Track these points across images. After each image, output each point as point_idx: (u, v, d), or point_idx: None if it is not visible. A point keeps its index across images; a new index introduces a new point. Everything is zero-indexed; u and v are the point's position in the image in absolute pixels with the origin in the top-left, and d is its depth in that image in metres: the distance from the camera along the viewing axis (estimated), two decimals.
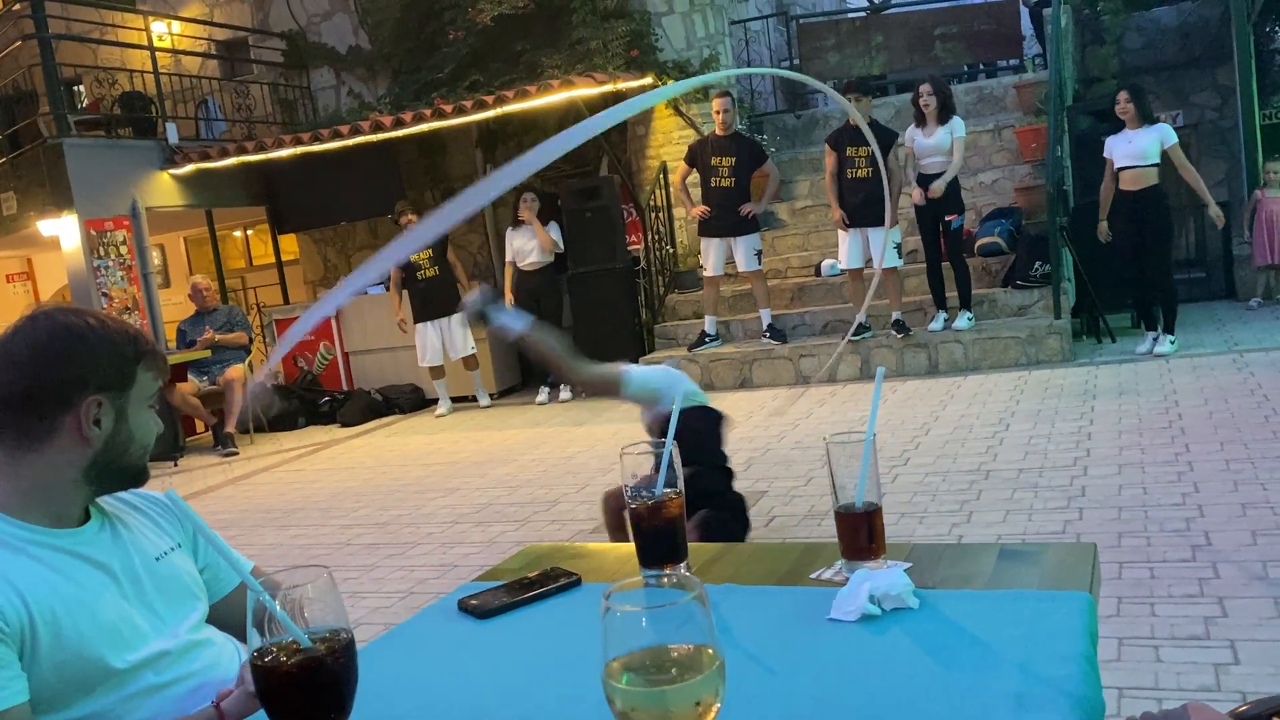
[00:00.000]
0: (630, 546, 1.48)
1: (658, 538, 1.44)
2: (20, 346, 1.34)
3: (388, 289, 8.97)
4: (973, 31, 10.11)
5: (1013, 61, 10.77)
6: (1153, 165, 6.82)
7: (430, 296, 8.59)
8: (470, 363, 8.82)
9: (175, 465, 8.07)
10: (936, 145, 7.22)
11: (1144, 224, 6.89)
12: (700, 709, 0.78)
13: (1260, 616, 2.90)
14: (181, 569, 1.49)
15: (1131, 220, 6.94)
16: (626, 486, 1.45)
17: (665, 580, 0.86)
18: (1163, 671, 2.66)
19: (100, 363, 1.36)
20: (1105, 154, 7.05)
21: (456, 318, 8.62)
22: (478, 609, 1.44)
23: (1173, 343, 7.09)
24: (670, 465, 1.42)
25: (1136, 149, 6.84)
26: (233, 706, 1.33)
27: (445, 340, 8.68)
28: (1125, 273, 7.23)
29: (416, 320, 8.66)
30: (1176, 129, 10.73)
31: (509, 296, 8.51)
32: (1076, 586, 1.26)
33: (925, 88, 7.25)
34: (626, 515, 1.47)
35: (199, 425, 9.11)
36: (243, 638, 1.45)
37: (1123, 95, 6.92)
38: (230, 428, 8.32)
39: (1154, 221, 6.89)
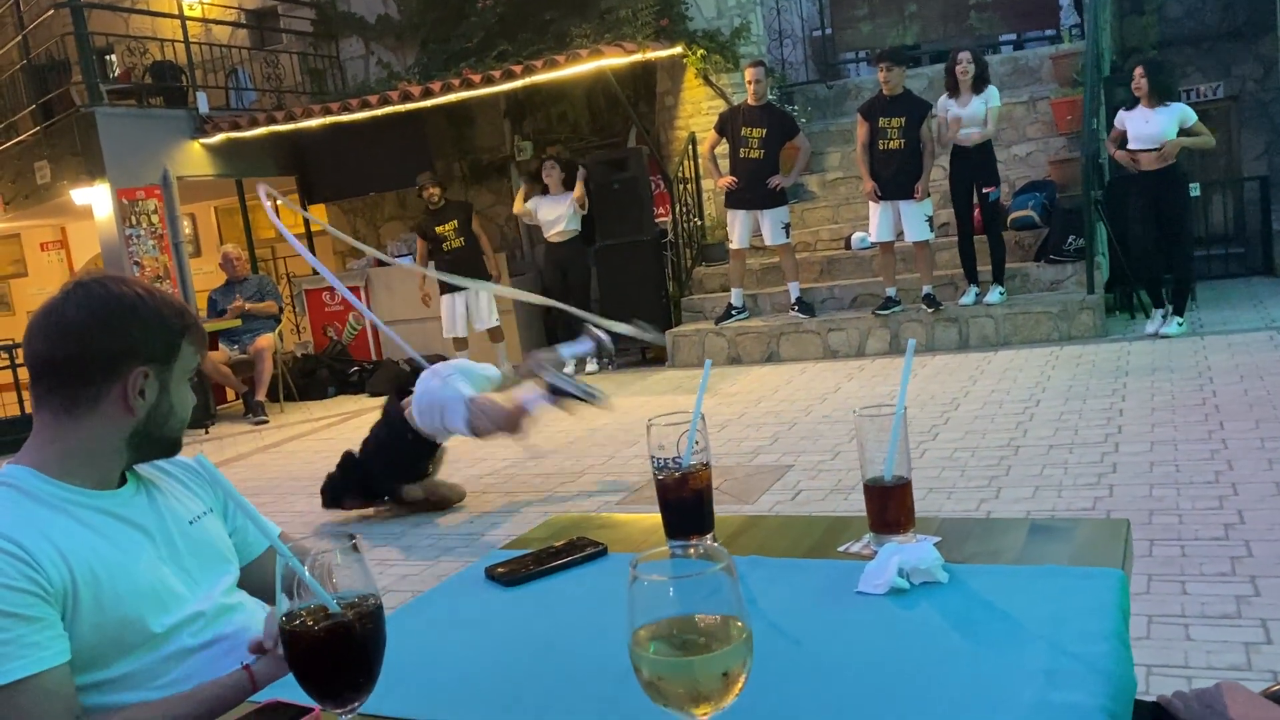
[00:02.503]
0: (656, 517, 1.48)
1: (684, 509, 1.43)
2: (73, 313, 1.35)
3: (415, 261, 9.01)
4: (1008, 1, 9.93)
5: (1049, 32, 10.57)
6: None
7: (456, 268, 8.58)
8: (496, 335, 8.84)
9: (206, 433, 8.16)
10: (972, 115, 7.13)
11: (1161, 204, 6.77)
12: (728, 680, 0.78)
13: None
14: (214, 533, 1.51)
15: (1148, 200, 6.81)
16: (654, 458, 1.44)
17: (692, 550, 0.86)
18: (1193, 650, 2.64)
19: (149, 335, 1.37)
20: (1116, 124, 6.94)
21: (482, 290, 8.66)
22: (504, 576, 1.45)
23: (1180, 325, 6.96)
24: (697, 436, 1.41)
25: (1154, 131, 6.69)
26: (262, 670, 1.35)
27: (471, 311, 8.69)
28: (1141, 251, 7.11)
29: (443, 292, 8.68)
30: (1216, 100, 10.58)
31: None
32: (1108, 563, 1.24)
33: (965, 55, 7.15)
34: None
35: (230, 393, 9.21)
36: (270, 601, 1.46)
37: (1138, 71, 6.76)
38: (260, 396, 8.41)
39: (1171, 202, 6.76)
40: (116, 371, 1.35)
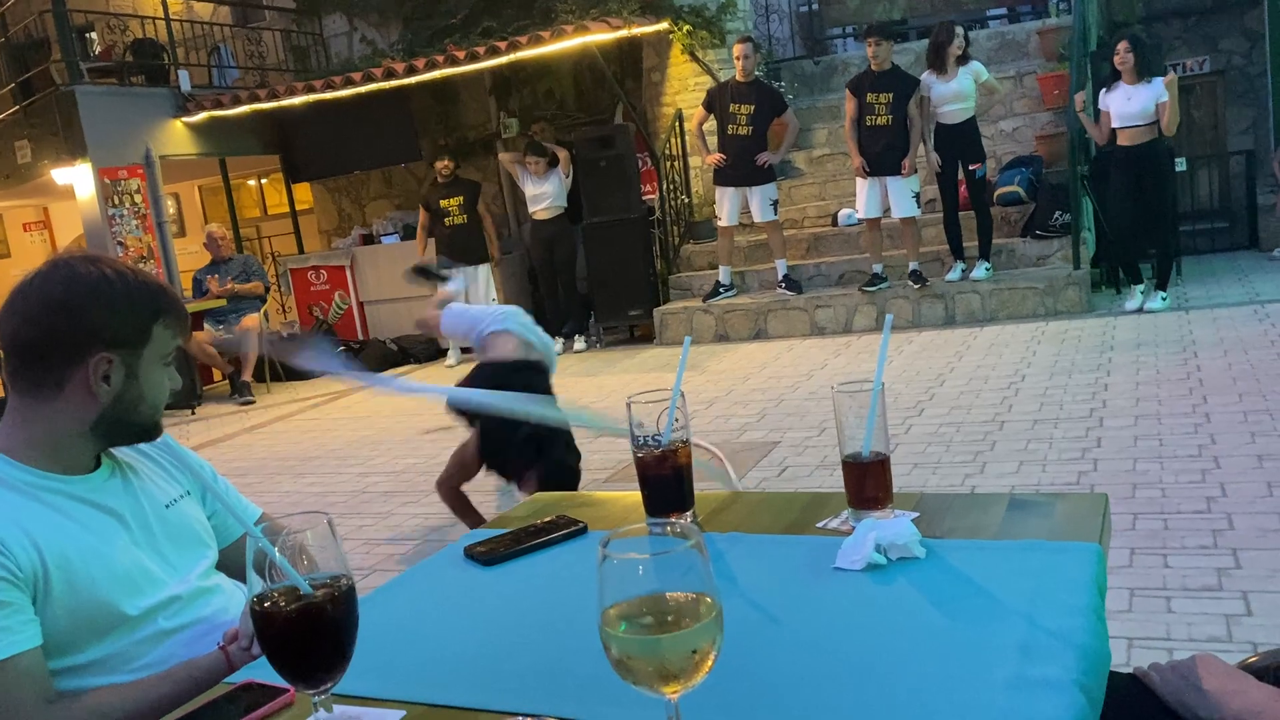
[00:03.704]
0: (638, 495, 1.48)
1: (663, 486, 1.43)
2: (35, 296, 1.33)
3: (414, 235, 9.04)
4: None
5: (1036, 7, 10.53)
6: (1153, 123, 6.66)
7: (456, 243, 8.62)
8: None
9: (193, 414, 8.13)
10: (956, 92, 7.11)
11: (1142, 178, 6.76)
12: (697, 657, 0.77)
13: (1273, 568, 2.89)
14: (191, 516, 1.50)
15: (1129, 174, 6.81)
16: (633, 435, 1.44)
17: (664, 529, 0.85)
18: (1174, 622, 2.66)
19: (113, 319, 1.33)
20: (1100, 107, 6.90)
21: (483, 267, 8.67)
22: (483, 556, 1.44)
23: (1164, 299, 6.99)
24: (677, 414, 1.40)
25: (1135, 108, 6.65)
26: (238, 651, 1.34)
27: (469, 289, 8.69)
28: (1122, 226, 7.12)
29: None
30: (1203, 75, 10.57)
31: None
32: (1086, 538, 1.24)
33: (960, 29, 7.13)
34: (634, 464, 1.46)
35: (216, 374, 9.17)
36: None
37: (1123, 45, 6.67)
38: (246, 376, 8.37)
39: (1153, 176, 6.75)
40: (78, 357, 1.33)
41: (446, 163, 8.73)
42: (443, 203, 8.63)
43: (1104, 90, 6.86)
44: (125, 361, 1.35)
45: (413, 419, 6.82)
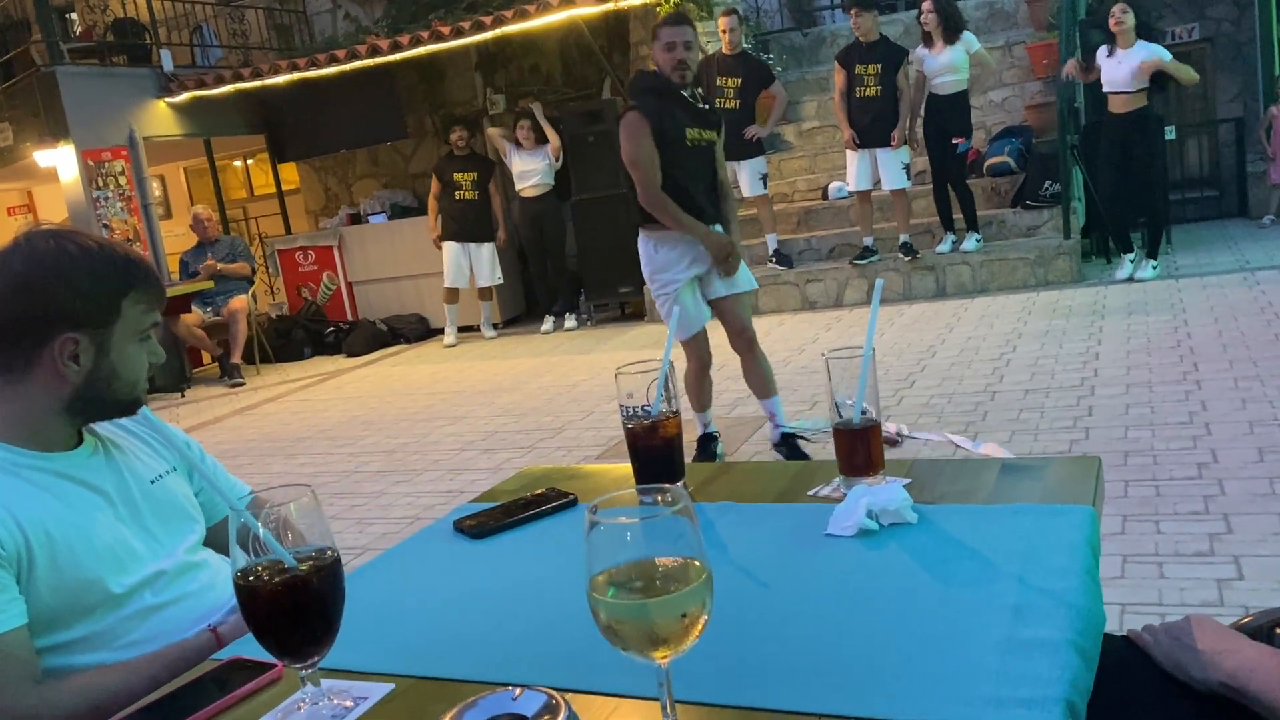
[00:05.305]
0: (627, 468, 1.47)
1: (654, 457, 1.42)
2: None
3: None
4: None
5: None
6: (1142, 90, 6.63)
7: (464, 218, 8.60)
8: (486, 293, 8.81)
9: (182, 396, 8.10)
10: (948, 64, 7.06)
11: (1131, 146, 6.73)
12: (686, 621, 0.76)
13: (1265, 532, 2.90)
14: (177, 491, 1.48)
15: (1118, 142, 6.78)
16: (623, 407, 1.42)
17: (651, 495, 0.84)
18: (1166, 588, 2.66)
19: (77, 297, 1.30)
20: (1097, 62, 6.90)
21: (486, 246, 8.63)
22: (473, 529, 1.43)
23: (1155, 268, 6.98)
24: (666, 384, 1.39)
25: (1125, 74, 6.62)
26: (229, 631, 1.33)
27: (473, 266, 8.66)
28: (1111, 194, 7.10)
29: (444, 238, 8.65)
30: (1191, 43, 10.53)
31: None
32: (1079, 500, 1.23)
33: (926, 4, 7.09)
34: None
35: (205, 357, 9.12)
36: None
37: (1119, 7, 6.62)
38: (236, 358, 8.33)
39: (1141, 143, 6.73)
40: (43, 337, 1.30)
41: (461, 132, 8.67)
42: (456, 175, 8.58)
43: (1102, 52, 6.82)
44: (94, 340, 1.32)
45: (404, 399, 6.80)
